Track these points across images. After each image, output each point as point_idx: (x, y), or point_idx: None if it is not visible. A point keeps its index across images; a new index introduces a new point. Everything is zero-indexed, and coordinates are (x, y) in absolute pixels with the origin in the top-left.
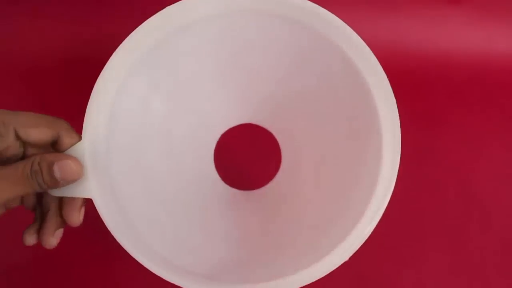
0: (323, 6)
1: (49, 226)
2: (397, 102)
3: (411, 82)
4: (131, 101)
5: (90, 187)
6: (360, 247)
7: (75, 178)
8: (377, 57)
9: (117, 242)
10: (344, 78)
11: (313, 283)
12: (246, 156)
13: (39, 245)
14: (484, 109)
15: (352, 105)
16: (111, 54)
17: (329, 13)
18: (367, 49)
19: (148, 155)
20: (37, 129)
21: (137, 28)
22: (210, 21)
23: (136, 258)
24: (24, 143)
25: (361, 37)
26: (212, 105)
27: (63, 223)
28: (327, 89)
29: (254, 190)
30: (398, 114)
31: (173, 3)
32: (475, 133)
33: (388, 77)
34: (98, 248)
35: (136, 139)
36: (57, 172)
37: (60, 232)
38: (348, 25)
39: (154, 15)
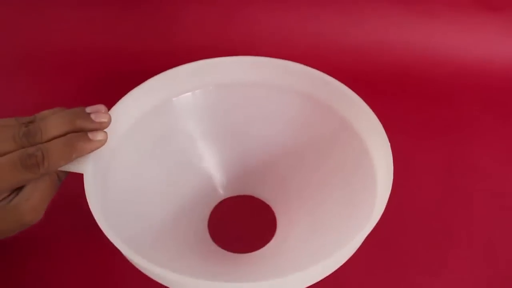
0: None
1: None
2: (429, 109)
3: (445, 89)
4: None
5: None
6: (385, 259)
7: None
8: (410, 63)
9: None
10: (343, 142)
11: None
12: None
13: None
14: None
15: (352, 169)
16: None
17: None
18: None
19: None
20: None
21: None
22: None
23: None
24: None
25: (396, 42)
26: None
27: None
28: (327, 154)
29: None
30: (392, 172)
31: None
32: (508, 144)
33: (422, 83)
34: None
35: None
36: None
37: None
38: (383, 30)
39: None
